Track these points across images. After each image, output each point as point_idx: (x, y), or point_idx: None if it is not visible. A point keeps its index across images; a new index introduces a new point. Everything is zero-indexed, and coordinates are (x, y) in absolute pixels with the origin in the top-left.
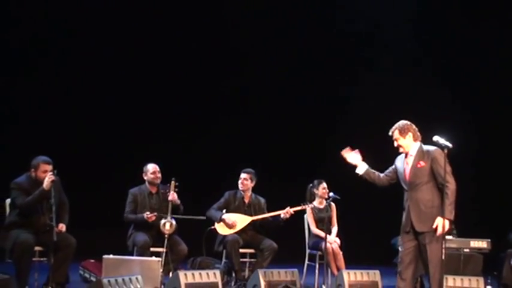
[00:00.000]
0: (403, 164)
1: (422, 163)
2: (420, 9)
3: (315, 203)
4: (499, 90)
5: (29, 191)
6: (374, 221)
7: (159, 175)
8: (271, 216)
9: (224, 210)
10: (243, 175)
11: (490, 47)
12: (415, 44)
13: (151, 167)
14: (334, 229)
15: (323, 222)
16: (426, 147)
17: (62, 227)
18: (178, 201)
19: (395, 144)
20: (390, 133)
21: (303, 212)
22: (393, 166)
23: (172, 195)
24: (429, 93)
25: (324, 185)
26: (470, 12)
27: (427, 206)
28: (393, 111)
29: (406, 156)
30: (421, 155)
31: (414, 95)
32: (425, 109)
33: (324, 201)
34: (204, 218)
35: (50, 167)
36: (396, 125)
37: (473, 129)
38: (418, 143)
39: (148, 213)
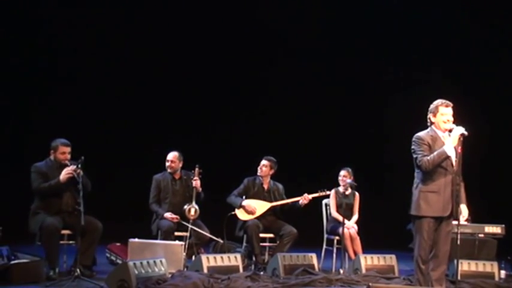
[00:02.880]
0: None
1: (459, 149)
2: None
3: (340, 189)
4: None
5: (47, 174)
6: (390, 206)
7: (175, 164)
8: (290, 202)
9: (244, 197)
10: (263, 161)
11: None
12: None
13: (169, 156)
14: (354, 217)
15: (344, 208)
16: None
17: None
18: (200, 189)
19: (450, 118)
20: (447, 107)
21: (321, 198)
22: (424, 146)
23: (196, 183)
24: (438, 82)
25: (342, 172)
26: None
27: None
28: (398, 101)
29: (437, 137)
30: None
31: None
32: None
33: (349, 189)
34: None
35: (68, 149)
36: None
37: (486, 116)
38: None
39: (171, 213)
